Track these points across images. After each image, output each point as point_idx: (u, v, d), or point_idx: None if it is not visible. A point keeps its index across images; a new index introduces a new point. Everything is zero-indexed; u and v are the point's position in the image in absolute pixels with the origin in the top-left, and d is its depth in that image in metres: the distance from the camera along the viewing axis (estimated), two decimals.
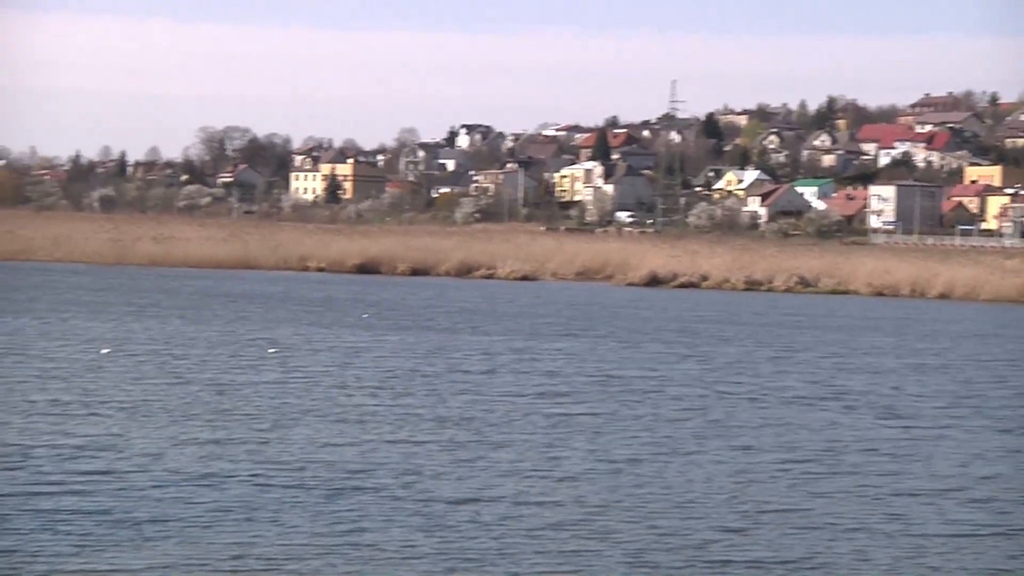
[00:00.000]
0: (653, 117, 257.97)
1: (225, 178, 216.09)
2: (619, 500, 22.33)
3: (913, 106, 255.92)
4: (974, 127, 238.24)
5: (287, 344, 45.91)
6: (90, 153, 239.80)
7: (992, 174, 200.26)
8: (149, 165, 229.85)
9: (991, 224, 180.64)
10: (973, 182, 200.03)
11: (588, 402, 34.38)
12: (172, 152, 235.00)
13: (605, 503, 22.05)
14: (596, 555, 18.67)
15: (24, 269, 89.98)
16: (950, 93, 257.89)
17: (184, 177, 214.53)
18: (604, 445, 27.77)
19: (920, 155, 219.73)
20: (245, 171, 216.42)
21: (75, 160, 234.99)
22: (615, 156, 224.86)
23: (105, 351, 41.36)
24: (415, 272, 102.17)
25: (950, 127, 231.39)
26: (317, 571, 17.20)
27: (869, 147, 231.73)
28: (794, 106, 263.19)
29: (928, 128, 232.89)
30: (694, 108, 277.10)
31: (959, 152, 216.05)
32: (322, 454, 25.26)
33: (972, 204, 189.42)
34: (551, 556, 18.50)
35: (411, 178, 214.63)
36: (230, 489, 21.76)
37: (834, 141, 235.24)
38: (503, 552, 18.46)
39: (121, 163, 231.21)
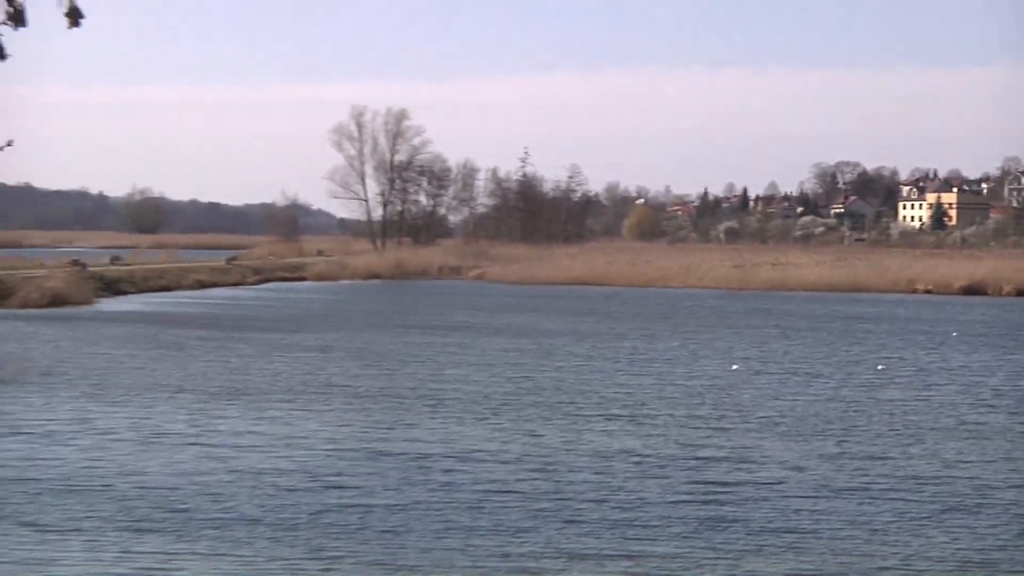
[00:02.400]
0: None
1: (837, 209, 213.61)
2: None
3: None
4: None
5: (899, 363, 44.07)
6: (716, 190, 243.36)
7: None
8: (768, 199, 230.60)
9: None
10: None
11: None
12: (789, 186, 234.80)
13: None
14: None
15: (664, 295, 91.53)
16: None
17: (799, 209, 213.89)
18: None
19: None
20: (855, 202, 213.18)
21: (703, 196, 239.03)
22: None
23: (735, 367, 40.99)
24: (1020, 293, 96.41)
25: None
26: None
27: None
28: None
29: None
30: None
31: None
32: (948, 471, 23.66)
33: None
34: None
35: (1015, 204, 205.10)
36: (869, 502, 20.61)
37: None
38: None
39: (743, 198, 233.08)
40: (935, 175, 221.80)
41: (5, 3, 6.13)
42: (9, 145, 5.07)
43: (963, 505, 20.65)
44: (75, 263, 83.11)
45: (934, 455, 25.27)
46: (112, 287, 78.44)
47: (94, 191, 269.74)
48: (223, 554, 16.67)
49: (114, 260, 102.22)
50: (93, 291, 72.42)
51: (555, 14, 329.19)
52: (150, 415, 28.37)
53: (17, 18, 5.93)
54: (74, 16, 6.00)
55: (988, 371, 42.05)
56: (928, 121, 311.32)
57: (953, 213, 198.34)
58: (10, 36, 5.93)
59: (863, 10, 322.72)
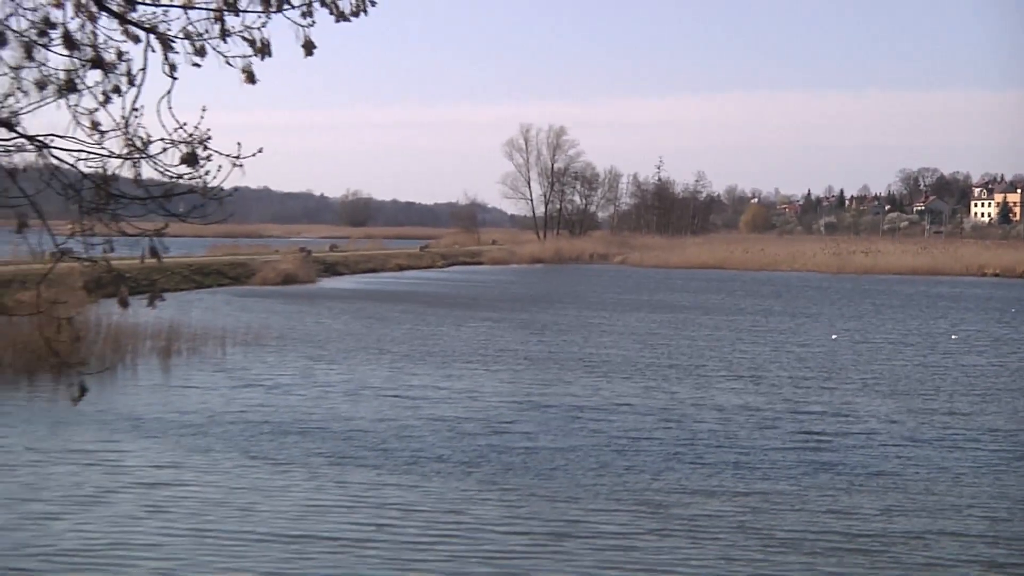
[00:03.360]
0: None
1: (918, 207, 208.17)
2: None
3: None
4: None
5: (973, 334, 42.53)
6: (818, 191, 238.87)
7: None
8: (861, 199, 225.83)
9: None
10: None
11: None
12: (879, 188, 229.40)
13: None
14: None
15: (774, 278, 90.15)
16: None
17: (887, 207, 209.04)
18: None
19: None
20: (934, 201, 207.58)
21: (807, 196, 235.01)
22: None
23: (834, 337, 39.99)
24: None
25: None
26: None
27: None
28: None
29: None
30: None
31: None
32: (1020, 425, 22.64)
33: None
34: None
35: None
36: (951, 451, 19.82)
37: None
38: None
39: (840, 198, 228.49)
40: (1002, 178, 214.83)
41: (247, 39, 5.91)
42: (260, 152, 5.03)
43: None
44: (302, 250, 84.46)
45: (1008, 411, 24.31)
46: (331, 269, 79.63)
47: (317, 193, 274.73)
48: (417, 484, 16.62)
49: (332, 248, 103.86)
50: (316, 272, 73.63)
51: (684, 47, 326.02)
52: (358, 371, 28.59)
53: (263, 50, 5.74)
54: (308, 47, 5.82)
55: None
56: (996, 133, 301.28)
57: (1017, 210, 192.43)
58: (257, 65, 5.73)
59: (940, 42, 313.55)
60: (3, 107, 5.49)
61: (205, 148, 5.77)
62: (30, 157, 5.58)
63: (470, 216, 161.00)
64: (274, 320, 42.16)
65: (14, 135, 5.57)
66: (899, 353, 35.70)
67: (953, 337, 40.85)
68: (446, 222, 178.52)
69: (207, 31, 5.72)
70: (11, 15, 5.51)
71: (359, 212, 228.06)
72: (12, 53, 5.52)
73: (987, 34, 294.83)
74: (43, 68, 5.58)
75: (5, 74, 5.57)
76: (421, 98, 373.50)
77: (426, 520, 14.79)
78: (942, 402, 25.41)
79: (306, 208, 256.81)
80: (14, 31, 5.55)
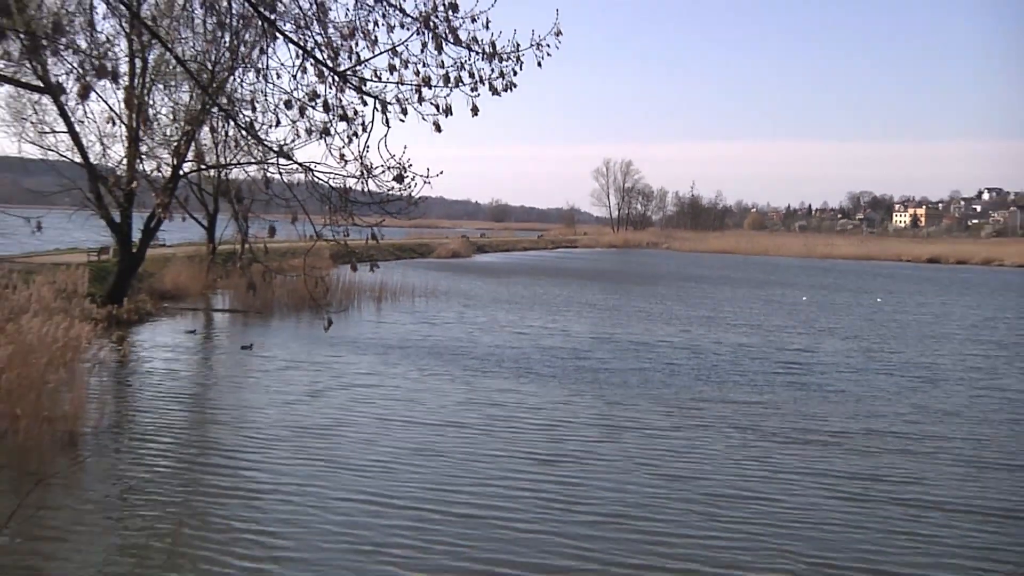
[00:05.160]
0: None
1: (859, 216, 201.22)
2: None
3: None
4: None
5: (900, 299, 40.73)
6: (795, 204, 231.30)
7: None
8: (823, 210, 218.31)
9: None
10: None
11: None
12: (834, 203, 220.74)
13: None
14: None
15: (766, 261, 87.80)
16: None
17: (839, 216, 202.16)
18: None
19: None
20: (870, 212, 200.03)
21: (787, 208, 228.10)
22: None
23: (804, 299, 38.62)
24: (958, 262, 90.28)
25: None
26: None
27: None
28: None
29: None
30: None
31: None
32: (933, 360, 21.54)
33: None
34: None
35: (956, 215, 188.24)
36: (889, 376, 18.93)
37: None
38: None
39: (809, 209, 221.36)
40: (914, 199, 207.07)
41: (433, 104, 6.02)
42: (440, 174, 5.25)
43: (945, 378, 18.84)
44: (463, 236, 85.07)
45: (923, 349, 23.22)
46: (481, 249, 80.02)
47: (473, 200, 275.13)
48: (530, 391, 16.56)
49: (482, 235, 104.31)
50: (472, 250, 74.05)
51: (710, 110, 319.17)
52: (493, 314, 28.60)
53: (447, 111, 5.90)
54: (474, 111, 5.93)
55: (946, 304, 38.74)
56: (911, 169, 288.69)
57: (923, 220, 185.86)
58: (442, 120, 5.86)
59: (877, 105, 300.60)
60: (286, 145, 5.71)
61: (407, 172, 5.83)
62: (300, 176, 5.79)
63: (570, 217, 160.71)
64: (443, 280, 42.51)
65: (291, 162, 5.79)
66: (850, 310, 34.46)
67: (878, 300, 39.27)
68: (554, 220, 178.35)
69: (409, 98, 5.83)
70: (294, 90, 5.76)
71: (499, 213, 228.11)
72: (292, 112, 5.76)
73: (911, 99, 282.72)
74: (310, 121, 5.78)
75: (288, 125, 5.82)
76: (540, 139, 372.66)
77: (534, 415, 14.72)
78: (879, 344, 24.36)
79: (466, 210, 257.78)
80: (296, 99, 5.79)
